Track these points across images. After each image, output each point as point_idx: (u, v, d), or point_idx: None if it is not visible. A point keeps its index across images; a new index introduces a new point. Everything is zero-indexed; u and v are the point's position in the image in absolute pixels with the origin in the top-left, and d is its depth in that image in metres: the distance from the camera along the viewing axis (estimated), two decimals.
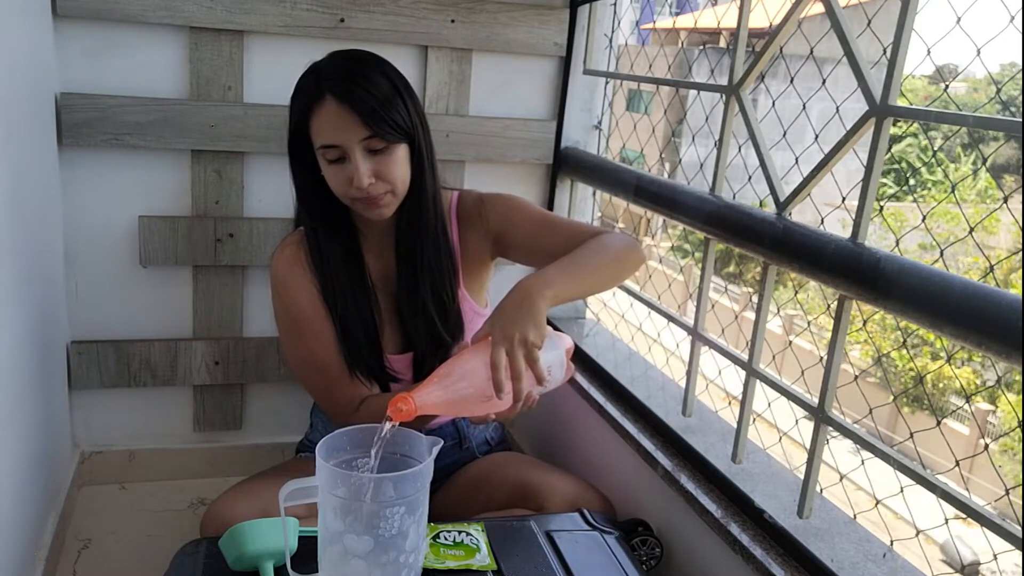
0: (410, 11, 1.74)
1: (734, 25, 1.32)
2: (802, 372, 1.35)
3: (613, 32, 1.91)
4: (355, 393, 1.29)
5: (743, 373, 1.31)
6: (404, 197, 1.23)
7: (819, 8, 1.17)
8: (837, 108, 1.22)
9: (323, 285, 1.28)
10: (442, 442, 0.92)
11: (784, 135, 1.34)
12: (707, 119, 1.77)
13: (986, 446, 6.67)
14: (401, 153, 1.19)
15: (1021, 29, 0.85)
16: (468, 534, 1.07)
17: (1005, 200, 1.06)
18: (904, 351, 7.39)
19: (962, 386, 8.16)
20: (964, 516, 0.93)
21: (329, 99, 1.15)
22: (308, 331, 1.29)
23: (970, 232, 1.18)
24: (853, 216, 1.06)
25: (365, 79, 1.16)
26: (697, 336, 1.44)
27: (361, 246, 1.31)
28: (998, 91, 1.33)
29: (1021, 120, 0.83)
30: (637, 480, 1.46)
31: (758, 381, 1.29)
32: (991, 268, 1.16)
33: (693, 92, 1.59)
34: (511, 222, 1.33)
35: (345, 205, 1.24)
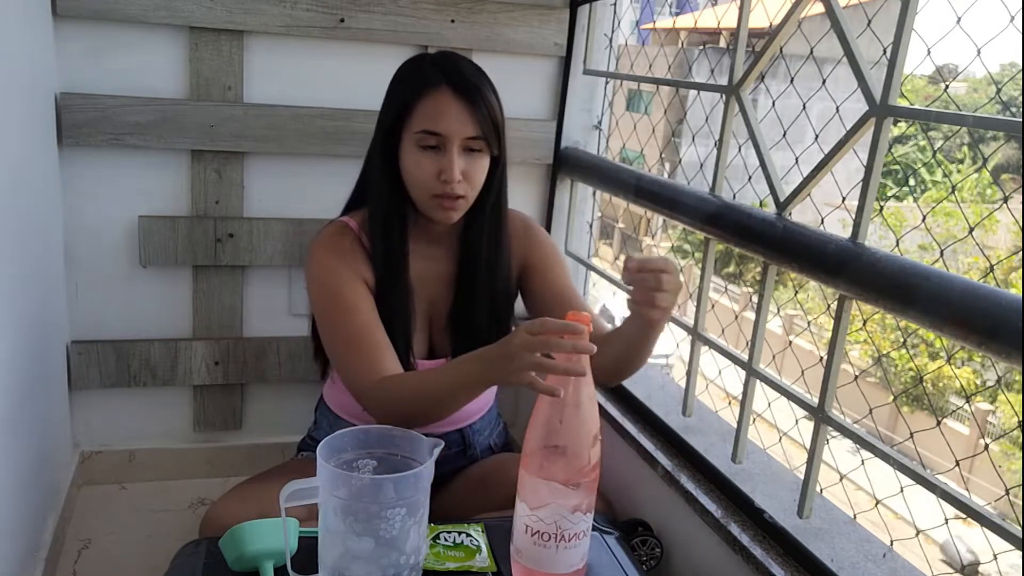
0: (410, 11, 1.74)
1: (734, 25, 1.32)
2: (802, 372, 1.35)
3: (613, 32, 1.91)
4: (384, 365, 1.19)
5: (743, 373, 1.31)
6: (474, 208, 1.27)
7: (819, 8, 1.17)
8: (837, 108, 1.22)
9: (372, 270, 1.26)
10: (443, 443, 0.92)
11: (784, 135, 1.34)
12: (707, 119, 1.77)
13: (986, 446, 6.66)
14: (486, 162, 1.24)
15: (1021, 29, 0.85)
16: (468, 535, 1.07)
17: (1005, 200, 1.06)
18: (904, 351, 7.39)
19: (962, 386, 8.16)
20: (964, 516, 0.93)
21: (446, 88, 1.18)
22: (344, 306, 1.22)
23: (970, 232, 1.18)
24: (853, 216, 1.06)
25: (483, 84, 1.22)
26: (697, 336, 1.44)
27: (407, 244, 1.30)
28: (998, 91, 1.33)
29: (1021, 120, 0.83)
30: (637, 480, 1.46)
31: (758, 381, 1.29)
32: (991, 268, 1.16)
33: (693, 92, 1.59)
34: (544, 270, 1.36)
35: (405, 200, 1.25)
